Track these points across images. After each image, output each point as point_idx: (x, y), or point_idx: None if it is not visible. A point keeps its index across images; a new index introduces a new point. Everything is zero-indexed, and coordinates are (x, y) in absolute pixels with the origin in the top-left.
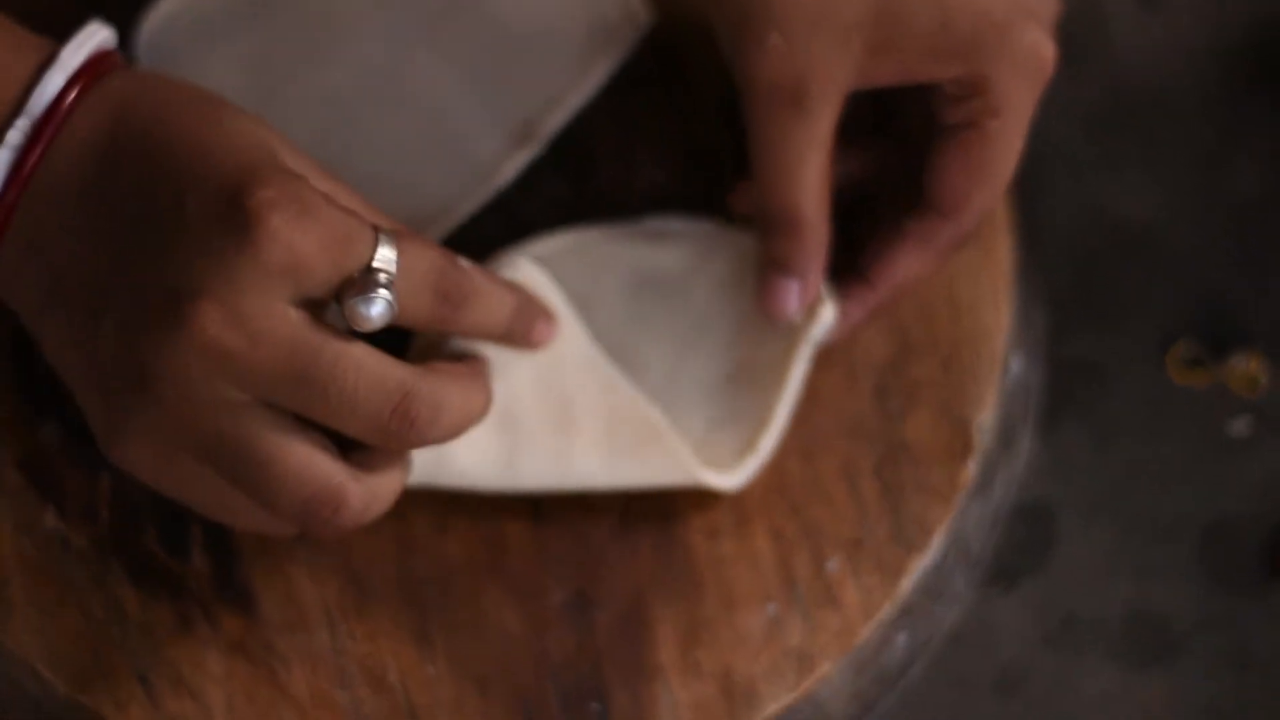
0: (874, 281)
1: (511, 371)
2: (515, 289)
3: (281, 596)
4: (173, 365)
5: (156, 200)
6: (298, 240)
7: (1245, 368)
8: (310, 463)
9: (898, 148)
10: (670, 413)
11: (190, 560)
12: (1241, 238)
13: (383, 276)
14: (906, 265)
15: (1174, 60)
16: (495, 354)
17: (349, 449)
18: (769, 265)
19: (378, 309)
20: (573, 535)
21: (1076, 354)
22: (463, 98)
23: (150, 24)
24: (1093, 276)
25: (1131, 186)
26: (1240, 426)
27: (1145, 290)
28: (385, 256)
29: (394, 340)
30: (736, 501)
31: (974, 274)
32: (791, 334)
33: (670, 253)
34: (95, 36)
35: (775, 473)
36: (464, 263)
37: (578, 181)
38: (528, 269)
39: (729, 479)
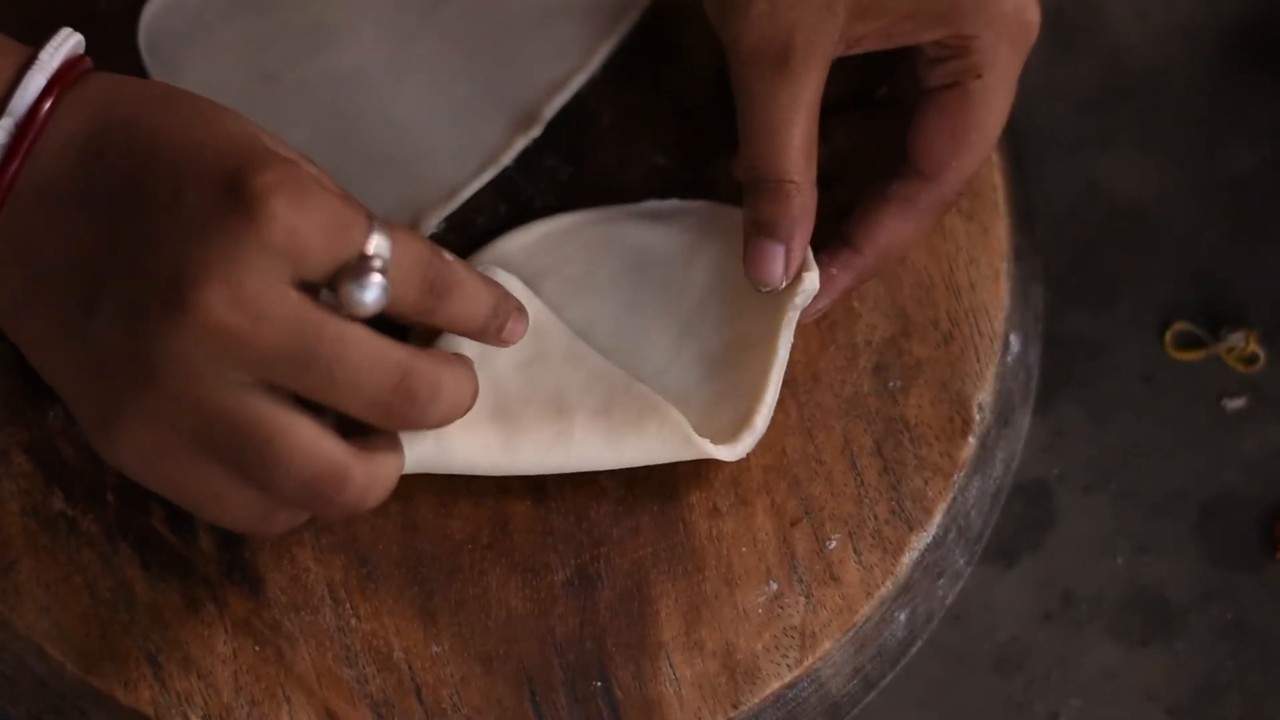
0: (860, 246)
1: (499, 374)
2: (494, 284)
3: (287, 577)
4: (176, 349)
5: (150, 192)
6: (298, 222)
7: (1242, 344)
8: (314, 442)
9: (882, 120)
10: (673, 391)
11: (197, 541)
12: (1238, 215)
13: (378, 262)
14: (892, 229)
15: (1169, 40)
16: (480, 357)
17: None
18: (754, 230)
19: (373, 294)
20: (575, 514)
21: (1074, 332)
22: (464, 82)
23: (152, 10)
24: (1089, 255)
25: (1128, 165)
26: (1237, 403)
27: (1142, 268)
28: (380, 244)
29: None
30: (737, 480)
31: (973, 253)
32: (777, 303)
33: (669, 233)
34: (70, 40)
35: (775, 451)
36: (448, 256)
37: (575, 162)
38: (502, 275)
39: (729, 450)
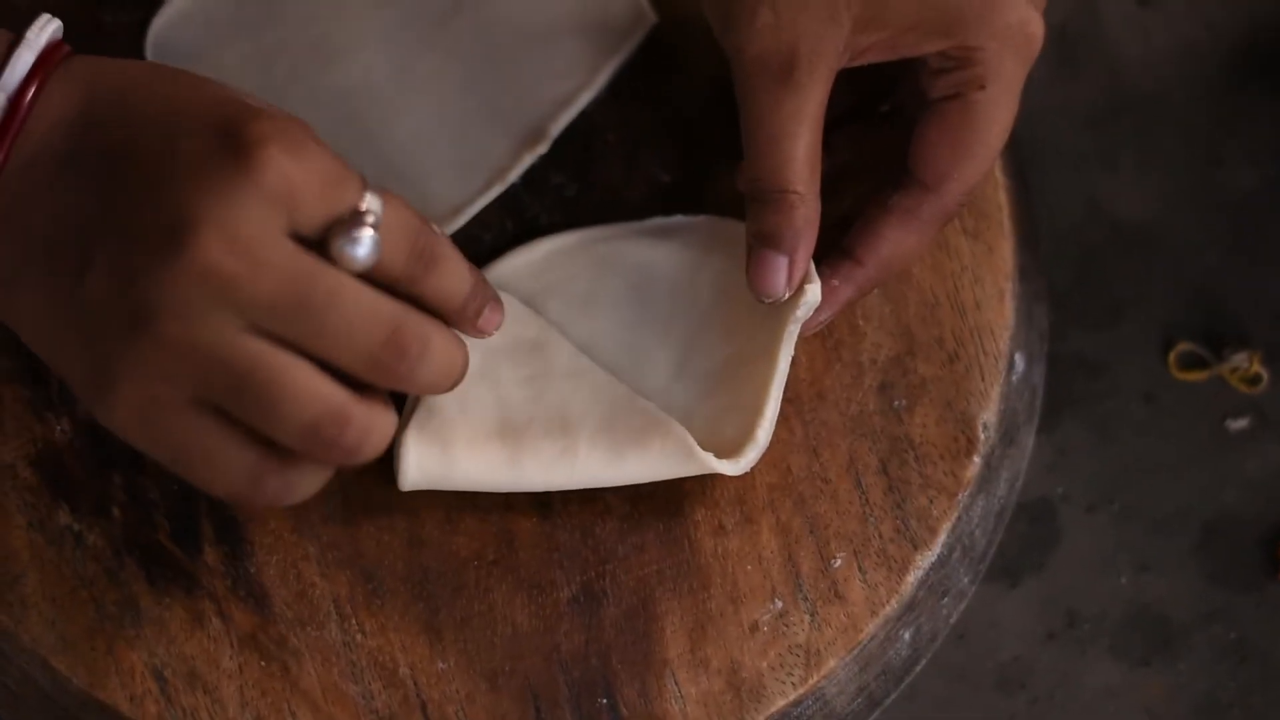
0: (861, 258)
1: (504, 391)
2: (474, 268)
3: (293, 592)
4: (173, 295)
5: (145, 149)
6: (294, 171)
7: (1245, 365)
8: (314, 382)
9: (884, 133)
10: (677, 407)
11: (202, 556)
12: (1240, 234)
13: (370, 218)
14: (893, 240)
15: (1172, 58)
16: (483, 373)
17: None
18: (757, 241)
19: (364, 249)
20: (581, 531)
21: (1077, 351)
22: (470, 98)
23: (160, 23)
24: (1092, 273)
25: (1130, 184)
26: (1240, 423)
27: (1145, 287)
28: (373, 202)
29: None
30: (742, 498)
31: (978, 272)
32: (779, 315)
33: (672, 250)
34: (51, 24)
35: (781, 469)
36: (436, 229)
37: (581, 179)
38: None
39: (732, 464)
